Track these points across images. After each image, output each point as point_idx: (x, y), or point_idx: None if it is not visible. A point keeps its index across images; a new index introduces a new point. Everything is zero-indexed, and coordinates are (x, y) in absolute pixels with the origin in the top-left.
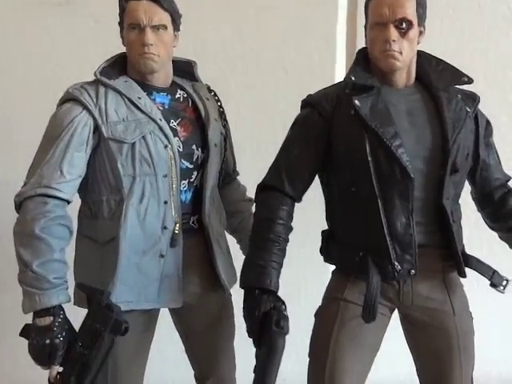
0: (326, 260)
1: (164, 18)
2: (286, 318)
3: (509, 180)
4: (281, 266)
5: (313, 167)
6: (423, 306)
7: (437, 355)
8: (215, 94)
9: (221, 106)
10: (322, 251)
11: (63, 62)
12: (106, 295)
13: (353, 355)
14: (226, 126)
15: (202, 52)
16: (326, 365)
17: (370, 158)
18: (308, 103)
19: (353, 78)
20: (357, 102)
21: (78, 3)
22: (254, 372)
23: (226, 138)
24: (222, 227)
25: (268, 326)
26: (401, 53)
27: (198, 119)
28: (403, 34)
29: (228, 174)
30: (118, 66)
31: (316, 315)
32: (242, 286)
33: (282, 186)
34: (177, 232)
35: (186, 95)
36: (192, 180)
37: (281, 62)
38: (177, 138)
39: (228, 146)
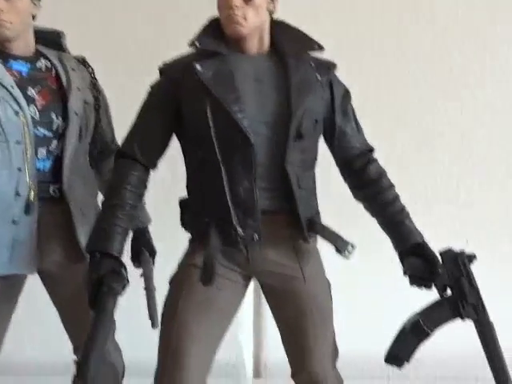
0: (184, 228)
1: None
2: (121, 280)
3: (370, 150)
4: (126, 230)
5: (163, 134)
6: (273, 272)
7: (290, 319)
8: (89, 66)
9: (94, 78)
10: (180, 220)
11: None
12: None
13: (200, 320)
14: (98, 97)
15: None
16: (173, 329)
17: (211, 124)
18: (160, 71)
19: (197, 44)
20: (198, 66)
21: None
22: None
23: (99, 108)
24: (92, 197)
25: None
26: (245, 18)
27: (60, 89)
28: (247, 0)
29: (106, 146)
30: None
31: (169, 283)
32: (86, 251)
33: (133, 152)
34: (32, 199)
35: (50, 65)
36: (51, 149)
37: None
38: (33, 106)
39: (103, 116)
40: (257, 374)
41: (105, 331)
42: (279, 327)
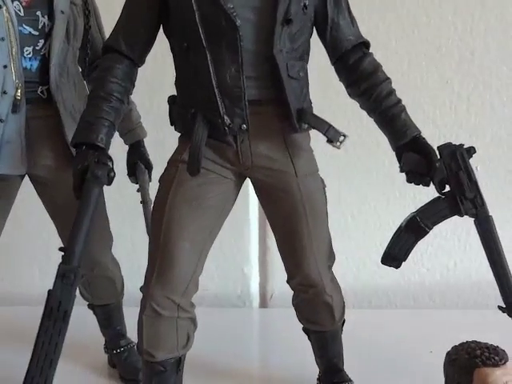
0: (173, 126)
1: None
2: (107, 169)
3: (365, 43)
4: (113, 124)
5: (150, 27)
6: (264, 167)
7: (284, 218)
8: None
9: None
10: (169, 118)
11: None
12: None
13: (190, 216)
14: (86, 1)
15: None
16: (162, 225)
17: (195, 7)
18: None
19: None
20: None
21: None
22: None
23: (88, 14)
24: (82, 102)
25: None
26: None
27: None
28: None
29: (96, 56)
30: None
31: (158, 181)
32: (71, 145)
33: (119, 46)
34: (18, 97)
35: None
36: (38, 48)
37: None
38: (17, 2)
39: (92, 22)
40: (263, 304)
41: (88, 218)
42: (274, 230)
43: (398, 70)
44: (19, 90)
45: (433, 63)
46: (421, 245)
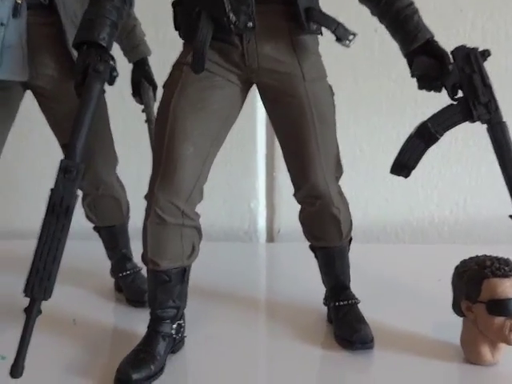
0: (178, 31)
1: None
2: (109, 66)
3: None
4: (115, 24)
5: None
6: (271, 69)
7: (291, 123)
8: None
9: None
10: (174, 24)
11: None
12: None
13: (194, 120)
14: None
15: None
16: (166, 128)
17: None
18: None
19: None
20: None
21: None
22: None
23: None
24: (83, 11)
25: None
26: None
27: None
28: None
29: None
30: None
31: (163, 86)
32: (73, 46)
33: None
34: (19, 1)
35: None
36: None
37: None
38: None
39: None
40: (270, 239)
41: (90, 113)
42: (280, 138)
43: None
44: None
45: None
46: (431, 180)
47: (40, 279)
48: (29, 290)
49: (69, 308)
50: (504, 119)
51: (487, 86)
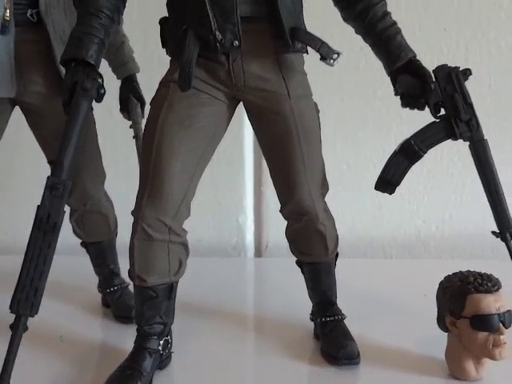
0: (165, 48)
1: None
2: (97, 84)
3: None
4: (102, 41)
5: None
6: (256, 87)
7: (276, 141)
8: None
9: None
10: (161, 40)
11: None
12: None
13: (181, 136)
14: None
15: None
16: (153, 145)
17: None
18: None
19: None
20: None
21: None
22: None
23: None
24: (68, 24)
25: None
26: None
27: None
28: None
29: None
30: None
31: (150, 103)
32: (61, 63)
33: None
34: (7, 18)
35: None
36: None
37: None
38: None
39: None
40: (258, 254)
41: (77, 131)
42: (266, 155)
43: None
44: (8, 11)
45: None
46: (417, 196)
47: (26, 295)
48: (15, 306)
49: (56, 323)
50: (485, 137)
51: (468, 105)
